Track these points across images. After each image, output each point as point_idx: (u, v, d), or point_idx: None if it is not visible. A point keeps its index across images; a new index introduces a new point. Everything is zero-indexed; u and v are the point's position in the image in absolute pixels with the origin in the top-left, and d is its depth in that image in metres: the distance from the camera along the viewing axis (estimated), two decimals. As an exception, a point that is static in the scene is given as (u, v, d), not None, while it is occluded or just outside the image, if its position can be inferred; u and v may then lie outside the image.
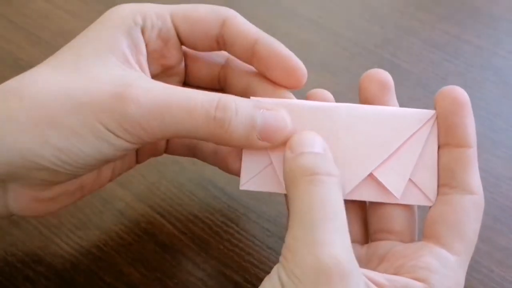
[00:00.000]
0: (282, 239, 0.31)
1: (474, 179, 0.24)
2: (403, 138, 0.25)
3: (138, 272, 0.30)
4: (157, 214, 0.33)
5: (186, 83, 0.29)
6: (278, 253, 0.31)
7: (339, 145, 0.25)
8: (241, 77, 0.27)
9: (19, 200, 0.25)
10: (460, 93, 0.25)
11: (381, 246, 0.25)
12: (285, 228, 0.32)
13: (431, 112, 0.25)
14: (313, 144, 0.23)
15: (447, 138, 0.25)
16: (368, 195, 0.25)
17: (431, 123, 0.25)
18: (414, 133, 0.25)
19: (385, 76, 0.26)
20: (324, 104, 0.26)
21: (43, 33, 0.43)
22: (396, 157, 0.25)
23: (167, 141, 0.30)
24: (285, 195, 0.26)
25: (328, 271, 0.19)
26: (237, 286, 0.30)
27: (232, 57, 0.28)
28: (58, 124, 0.22)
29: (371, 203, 0.26)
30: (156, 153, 0.30)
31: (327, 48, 0.43)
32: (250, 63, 0.26)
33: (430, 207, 0.25)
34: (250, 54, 0.26)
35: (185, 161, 0.35)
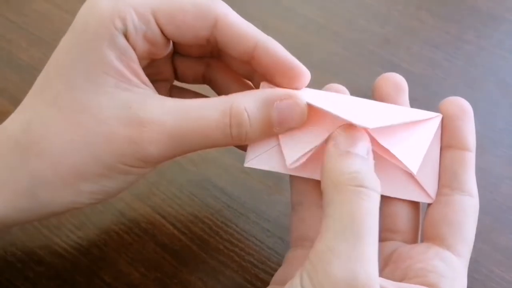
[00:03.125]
0: (282, 239, 0.32)
1: (472, 183, 0.25)
2: (415, 125, 0.25)
3: (138, 272, 0.30)
4: (157, 214, 0.33)
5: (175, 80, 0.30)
6: (278, 253, 0.31)
7: (357, 108, 0.25)
8: (226, 71, 0.28)
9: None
10: (465, 102, 0.26)
11: (386, 246, 0.25)
12: (285, 228, 0.32)
13: (438, 115, 0.26)
14: (359, 144, 0.22)
15: (450, 140, 0.25)
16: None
17: (437, 123, 0.25)
18: (423, 126, 0.25)
19: (401, 79, 0.27)
20: (337, 94, 0.26)
21: (43, 33, 0.43)
22: (409, 141, 0.25)
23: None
24: (290, 181, 0.26)
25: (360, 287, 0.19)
26: (237, 286, 0.30)
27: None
28: (85, 174, 0.23)
29: None
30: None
31: (327, 48, 0.43)
32: (248, 64, 0.26)
33: (428, 207, 0.25)
34: (247, 57, 0.25)
35: (185, 161, 0.35)
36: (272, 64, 0.25)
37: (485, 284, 0.30)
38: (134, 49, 0.24)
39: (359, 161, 0.22)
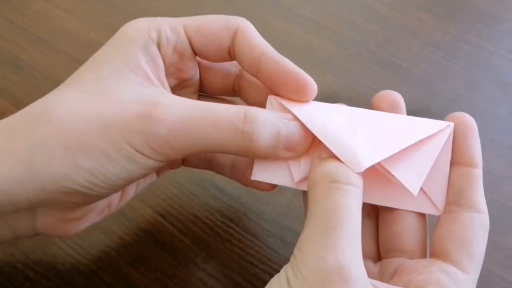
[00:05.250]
0: (282, 239, 0.32)
1: (481, 198, 0.24)
2: (420, 139, 0.25)
3: (138, 272, 0.30)
4: (157, 214, 0.33)
5: (200, 93, 0.29)
6: (278, 253, 0.31)
7: (357, 135, 0.25)
8: (257, 86, 0.28)
9: (48, 221, 0.25)
10: (469, 118, 0.25)
11: (393, 262, 0.25)
12: (285, 228, 0.32)
13: (449, 124, 0.25)
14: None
15: (455, 157, 0.25)
16: (382, 199, 0.25)
17: (447, 134, 0.25)
18: (430, 139, 0.25)
19: (396, 96, 0.27)
20: (343, 106, 0.26)
21: (43, 33, 0.43)
22: (413, 158, 0.25)
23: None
24: (303, 198, 0.26)
25: (332, 275, 0.19)
26: (237, 286, 0.30)
27: None
28: (88, 147, 0.22)
29: (383, 220, 0.26)
30: (174, 166, 0.30)
31: (327, 48, 0.43)
32: (257, 78, 0.26)
33: (437, 224, 0.25)
34: (256, 70, 0.25)
35: (185, 161, 0.35)
36: (277, 75, 0.25)
37: (485, 284, 0.30)
38: (164, 60, 0.25)
39: (336, 165, 0.23)
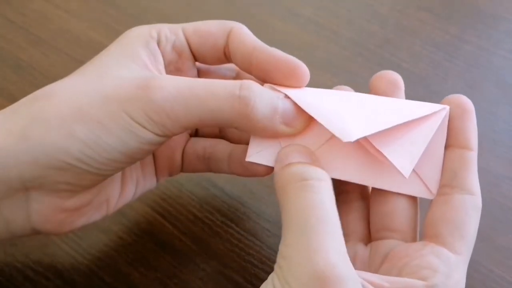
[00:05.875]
0: (282, 239, 0.32)
1: (474, 181, 0.25)
2: (414, 119, 0.24)
3: (138, 272, 0.30)
4: (157, 214, 0.33)
5: None
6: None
7: (350, 112, 0.25)
8: None
9: (43, 210, 0.24)
10: (466, 100, 0.25)
11: (383, 245, 0.25)
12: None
13: (444, 107, 0.25)
14: (300, 156, 0.24)
15: (450, 140, 0.25)
16: (375, 181, 0.25)
17: (441, 116, 0.25)
18: (424, 121, 0.25)
19: (395, 76, 0.27)
20: (338, 91, 0.26)
21: (43, 33, 0.43)
22: (406, 139, 0.24)
23: (182, 157, 0.30)
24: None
25: (323, 278, 0.19)
26: (237, 286, 0.30)
27: (242, 71, 0.28)
28: (84, 116, 0.22)
29: (374, 200, 0.26)
30: (173, 171, 0.30)
31: (327, 48, 0.43)
32: (250, 73, 0.27)
33: (429, 206, 0.25)
34: (248, 63, 0.26)
35: (185, 161, 0.35)
36: (268, 64, 0.25)
37: (485, 284, 0.30)
38: (163, 56, 0.26)
39: (300, 165, 0.23)
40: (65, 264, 0.30)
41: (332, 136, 0.24)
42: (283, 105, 0.24)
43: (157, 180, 0.30)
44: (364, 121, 0.24)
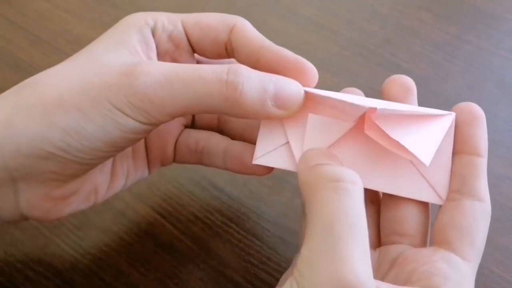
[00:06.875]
0: (282, 239, 0.32)
1: (483, 187, 0.24)
2: (426, 119, 0.24)
3: (138, 272, 0.30)
4: (157, 214, 0.33)
5: None
6: (278, 253, 0.31)
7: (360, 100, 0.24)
8: None
9: (31, 199, 0.24)
10: (476, 107, 0.25)
11: (392, 250, 0.25)
12: (285, 228, 0.32)
13: (450, 113, 0.25)
14: (327, 159, 0.23)
15: (460, 146, 0.25)
16: (386, 186, 0.25)
17: (449, 122, 0.25)
18: (435, 120, 0.25)
19: (409, 81, 0.27)
20: (347, 94, 0.26)
21: (43, 33, 0.43)
22: (421, 133, 0.24)
23: (175, 148, 0.29)
24: (302, 204, 0.26)
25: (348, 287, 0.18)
26: (237, 286, 0.30)
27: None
28: (66, 103, 0.22)
29: (385, 205, 0.26)
30: (165, 161, 0.30)
31: (327, 48, 0.43)
32: (256, 67, 0.25)
33: (438, 212, 0.25)
34: (255, 61, 0.25)
35: (185, 161, 0.35)
36: (276, 64, 0.25)
37: (485, 284, 0.30)
38: (157, 45, 0.26)
39: (333, 166, 0.22)
40: (65, 264, 0.30)
41: (339, 140, 0.24)
42: (274, 87, 0.23)
43: (149, 171, 0.29)
44: (378, 104, 0.24)
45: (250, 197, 0.33)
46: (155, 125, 0.23)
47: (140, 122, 0.22)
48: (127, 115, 0.22)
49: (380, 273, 0.24)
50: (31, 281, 0.30)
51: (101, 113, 0.22)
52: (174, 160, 0.30)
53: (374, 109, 0.23)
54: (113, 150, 0.23)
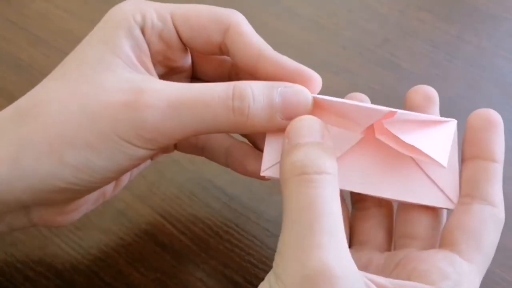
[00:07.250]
0: (282, 239, 0.32)
1: (497, 192, 0.24)
2: (435, 124, 0.25)
3: (138, 272, 0.30)
4: (157, 214, 0.33)
5: (194, 78, 0.28)
6: (278, 253, 0.31)
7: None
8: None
9: (44, 215, 0.25)
10: (494, 113, 0.25)
11: (400, 253, 0.25)
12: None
13: (452, 120, 0.25)
14: (310, 133, 0.22)
15: (475, 151, 0.25)
16: (397, 193, 0.25)
17: (453, 128, 0.25)
18: (442, 125, 0.25)
19: (432, 91, 0.27)
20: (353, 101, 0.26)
21: (43, 33, 0.43)
22: (433, 136, 0.24)
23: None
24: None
25: (315, 277, 0.18)
26: (237, 286, 0.30)
27: None
28: (74, 140, 0.22)
29: (399, 208, 0.26)
30: (167, 151, 0.30)
31: (327, 48, 0.43)
32: (255, 76, 0.25)
33: (449, 215, 0.25)
34: (253, 68, 0.25)
35: (185, 161, 0.35)
36: (279, 75, 0.24)
37: (485, 284, 0.30)
38: (149, 46, 0.25)
39: (305, 149, 0.21)
40: (65, 264, 0.30)
41: (351, 148, 0.24)
42: (281, 98, 0.23)
43: (151, 159, 0.30)
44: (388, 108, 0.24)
45: (251, 197, 0.33)
46: (164, 148, 0.24)
47: (149, 149, 0.23)
48: (136, 146, 0.22)
49: (384, 274, 0.24)
50: (31, 281, 0.30)
51: (110, 146, 0.22)
52: (176, 148, 0.30)
53: (394, 112, 0.23)
54: (121, 174, 0.24)
